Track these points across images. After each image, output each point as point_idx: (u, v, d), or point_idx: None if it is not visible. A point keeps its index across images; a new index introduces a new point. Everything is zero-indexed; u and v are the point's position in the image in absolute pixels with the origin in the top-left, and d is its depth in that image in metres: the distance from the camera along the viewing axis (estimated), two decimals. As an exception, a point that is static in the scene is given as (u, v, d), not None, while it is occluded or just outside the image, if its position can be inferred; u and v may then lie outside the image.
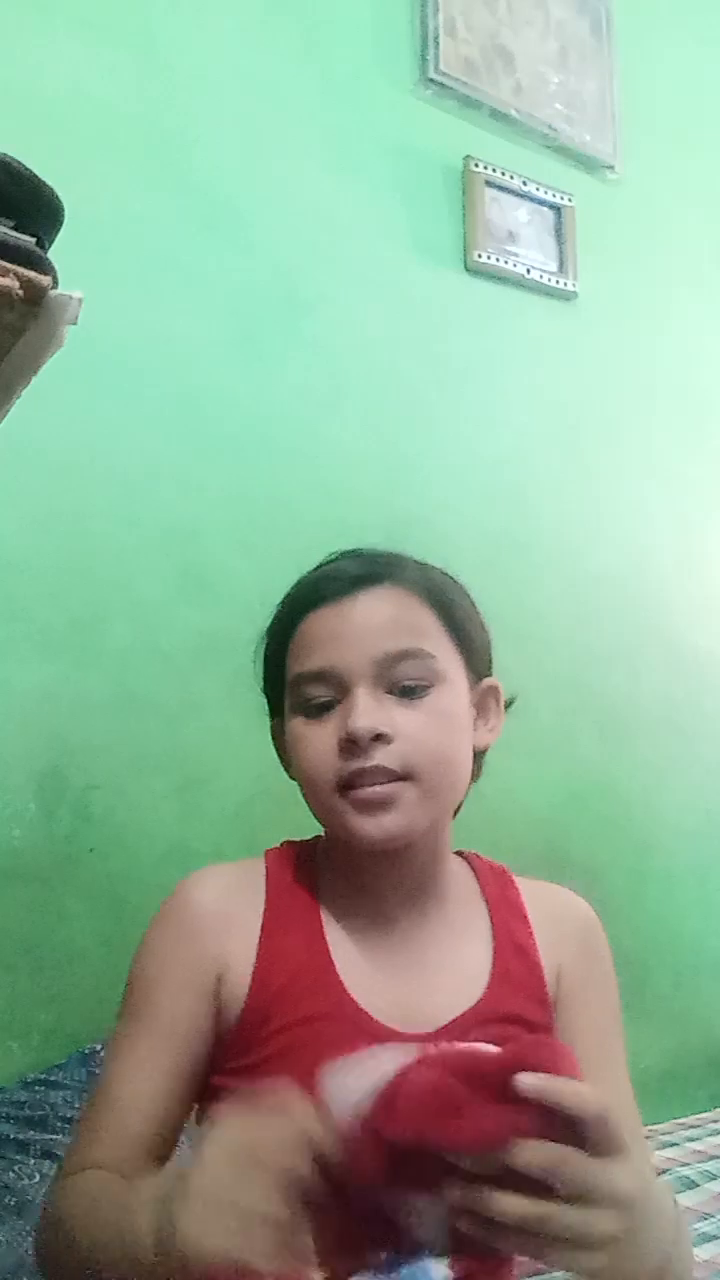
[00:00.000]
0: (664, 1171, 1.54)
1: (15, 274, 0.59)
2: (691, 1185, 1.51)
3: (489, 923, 0.83)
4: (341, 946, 0.79)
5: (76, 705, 1.37)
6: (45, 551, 1.38)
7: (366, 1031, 0.74)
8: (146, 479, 1.47)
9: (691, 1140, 1.69)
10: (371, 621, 0.78)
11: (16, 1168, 1.09)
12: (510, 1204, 0.55)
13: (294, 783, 0.83)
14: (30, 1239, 1.01)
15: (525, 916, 0.84)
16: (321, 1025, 0.74)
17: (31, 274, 0.59)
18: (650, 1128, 1.74)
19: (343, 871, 0.82)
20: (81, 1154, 0.73)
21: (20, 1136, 1.13)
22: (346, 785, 0.75)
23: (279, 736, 0.85)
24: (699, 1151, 1.64)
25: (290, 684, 0.79)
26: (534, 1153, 0.55)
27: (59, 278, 0.62)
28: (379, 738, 0.75)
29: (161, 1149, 0.75)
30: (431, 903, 0.82)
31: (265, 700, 0.86)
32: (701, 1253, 1.30)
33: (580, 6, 2.10)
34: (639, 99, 2.17)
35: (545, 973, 0.82)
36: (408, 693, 0.77)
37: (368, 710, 0.75)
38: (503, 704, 0.88)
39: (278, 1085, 0.61)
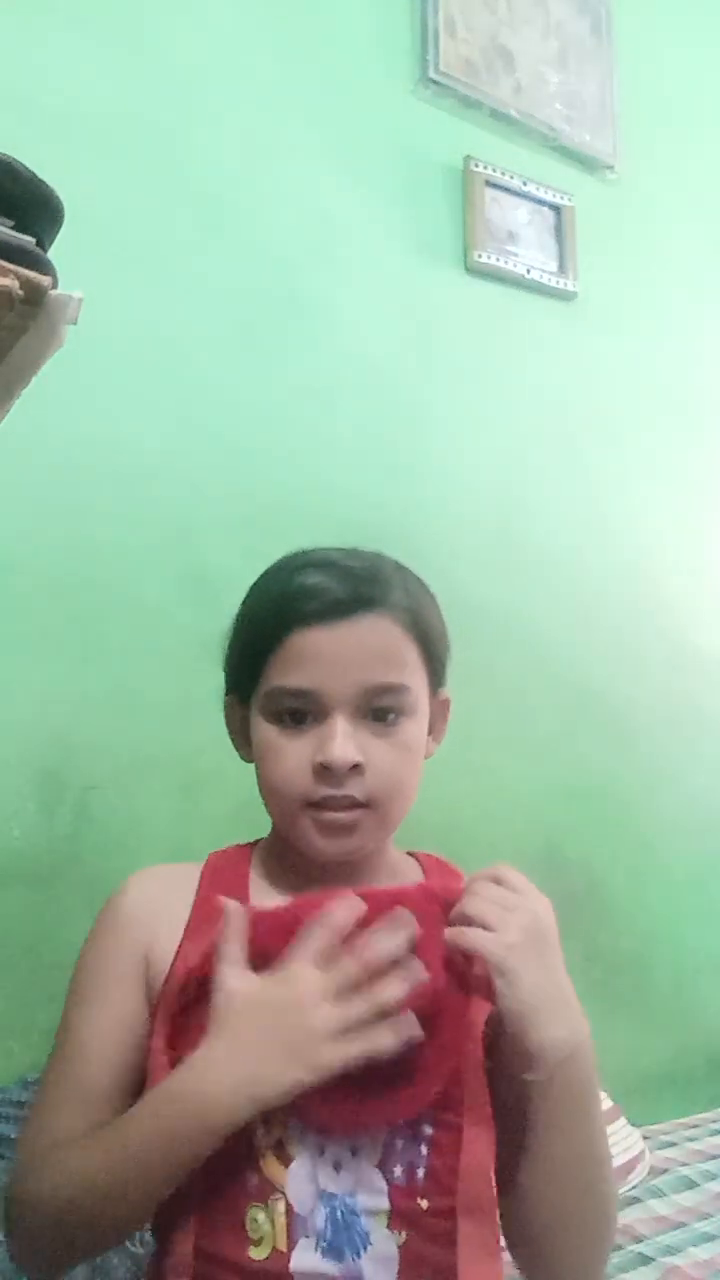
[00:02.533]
0: (664, 1171, 1.54)
1: (15, 274, 0.59)
2: (691, 1185, 1.51)
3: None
4: None
5: (76, 705, 1.37)
6: (45, 551, 1.38)
7: None
8: (146, 479, 1.47)
9: (691, 1140, 1.69)
10: (361, 651, 0.79)
11: (16, 1168, 1.09)
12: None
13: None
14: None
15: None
16: None
17: (31, 274, 0.60)
18: (650, 1128, 1.74)
19: (279, 867, 0.86)
20: (43, 1125, 0.76)
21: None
22: (311, 804, 0.79)
23: (234, 716, 0.87)
24: (699, 1151, 1.64)
25: (268, 691, 0.80)
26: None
27: (59, 278, 0.62)
28: (354, 767, 0.78)
29: (133, 1090, 0.77)
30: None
31: (223, 674, 0.87)
32: (701, 1253, 1.30)
33: (580, 6, 2.10)
34: (639, 99, 2.17)
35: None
36: (381, 718, 0.80)
37: (347, 741, 0.78)
38: (449, 715, 0.89)
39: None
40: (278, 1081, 0.68)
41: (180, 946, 0.80)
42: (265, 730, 0.81)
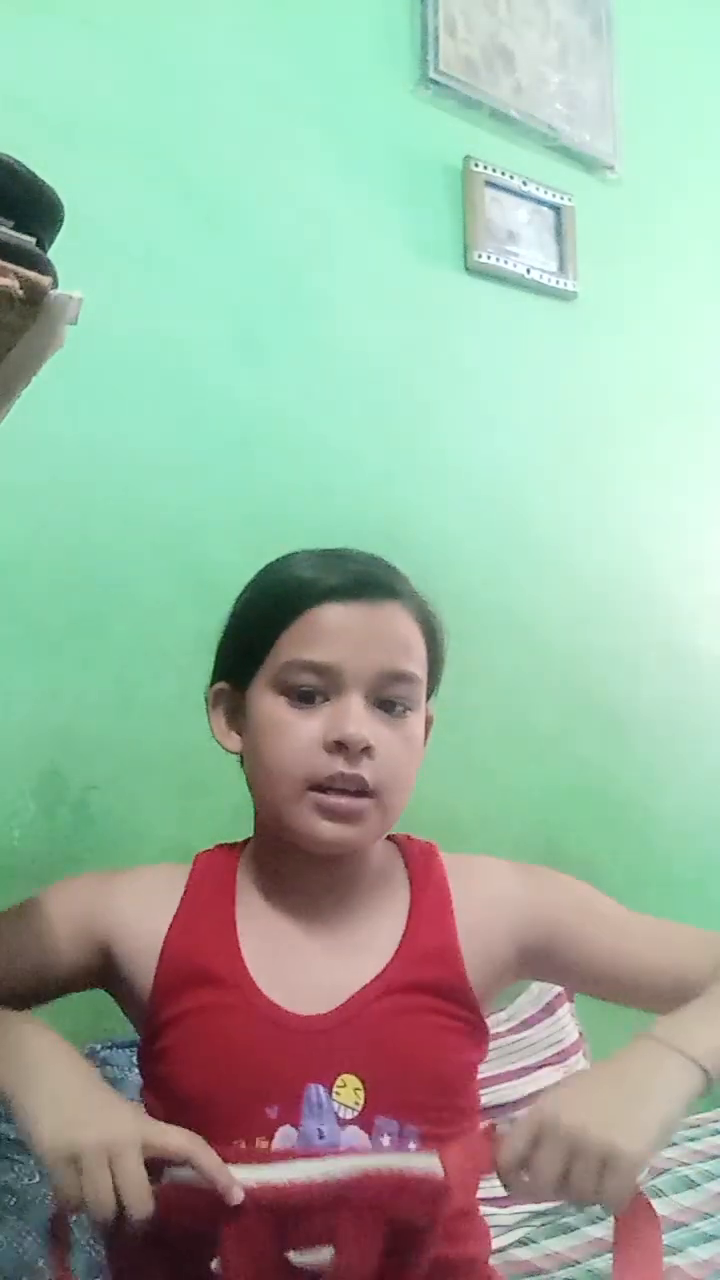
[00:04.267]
0: (664, 1171, 1.54)
1: (15, 274, 0.59)
2: (691, 1185, 1.51)
3: (409, 897, 0.85)
4: (252, 936, 0.81)
5: (76, 705, 1.37)
6: (45, 551, 1.38)
7: (266, 1018, 0.77)
8: (146, 479, 1.47)
9: (691, 1140, 1.69)
10: (384, 634, 0.79)
11: (17, 1168, 1.09)
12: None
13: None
14: (30, 1238, 1.01)
15: (445, 888, 0.85)
16: (224, 1012, 0.78)
17: (31, 274, 0.59)
18: (650, 1128, 1.74)
19: (267, 866, 0.85)
20: None
21: (20, 1136, 1.13)
22: (316, 785, 0.77)
23: (223, 704, 0.85)
24: (699, 1151, 1.64)
25: (282, 665, 0.78)
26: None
27: (59, 278, 0.62)
28: (365, 750, 0.76)
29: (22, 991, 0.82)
30: (351, 889, 0.84)
31: (215, 662, 0.87)
32: (701, 1253, 1.30)
33: (580, 6, 2.10)
34: (639, 99, 2.17)
35: (463, 942, 0.83)
36: (389, 709, 0.79)
37: (364, 720, 0.76)
38: (431, 732, 0.88)
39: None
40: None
41: (162, 955, 0.80)
42: (273, 705, 0.79)
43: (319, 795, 0.77)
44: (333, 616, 0.78)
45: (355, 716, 0.76)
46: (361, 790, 0.77)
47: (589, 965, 0.85)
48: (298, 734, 0.77)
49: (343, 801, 0.77)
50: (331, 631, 0.77)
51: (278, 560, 0.86)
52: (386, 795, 0.78)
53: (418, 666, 0.81)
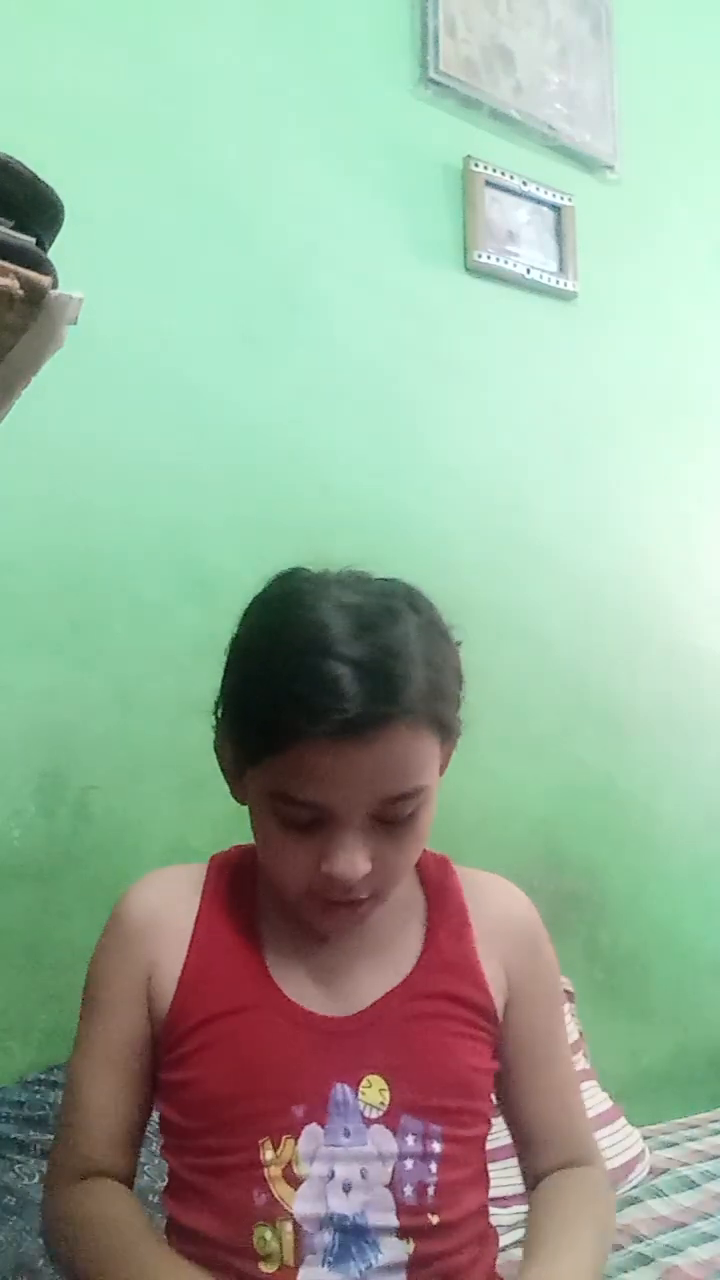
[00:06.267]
0: (664, 1171, 1.54)
1: (15, 274, 0.58)
2: (691, 1185, 1.51)
3: (425, 909, 0.85)
4: (274, 941, 0.81)
5: (76, 705, 1.37)
6: (45, 551, 1.38)
7: (291, 1019, 0.77)
8: (146, 479, 1.47)
9: (691, 1140, 1.69)
10: (376, 769, 0.71)
11: (16, 1168, 1.09)
12: None
13: None
14: (30, 1238, 1.01)
15: (462, 902, 0.85)
16: (249, 1014, 0.77)
17: (31, 274, 0.59)
18: (650, 1128, 1.74)
19: None
20: (67, 1155, 0.80)
21: (20, 1136, 1.13)
22: (315, 895, 0.75)
23: (227, 757, 0.80)
24: (699, 1151, 1.64)
25: (272, 792, 0.73)
26: None
27: (59, 278, 0.62)
28: (355, 882, 0.73)
29: (132, 1139, 0.81)
30: None
31: (219, 709, 0.79)
32: (701, 1253, 1.30)
33: (580, 6, 2.10)
34: (639, 99, 2.17)
35: (480, 957, 0.83)
36: (394, 820, 0.74)
37: (355, 856, 0.72)
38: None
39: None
40: None
41: (186, 962, 0.79)
42: (267, 821, 0.75)
43: (318, 901, 0.75)
44: (320, 759, 0.69)
45: (346, 856, 0.72)
46: (360, 898, 0.75)
47: (506, 1041, 0.84)
48: (293, 858, 0.74)
49: (343, 908, 0.75)
50: (318, 774, 0.70)
51: (278, 619, 0.75)
52: (386, 894, 0.77)
53: (422, 776, 0.74)
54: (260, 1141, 0.73)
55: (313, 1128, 0.74)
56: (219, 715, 0.79)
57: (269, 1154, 0.73)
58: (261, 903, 0.83)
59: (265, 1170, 0.73)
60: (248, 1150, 0.72)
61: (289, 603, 0.74)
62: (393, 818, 0.73)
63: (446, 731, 0.76)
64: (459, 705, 0.78)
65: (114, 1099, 0.79)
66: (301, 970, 0.80)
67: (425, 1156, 0.75)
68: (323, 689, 0.68)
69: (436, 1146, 0.75)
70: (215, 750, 0.81)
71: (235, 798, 0.81)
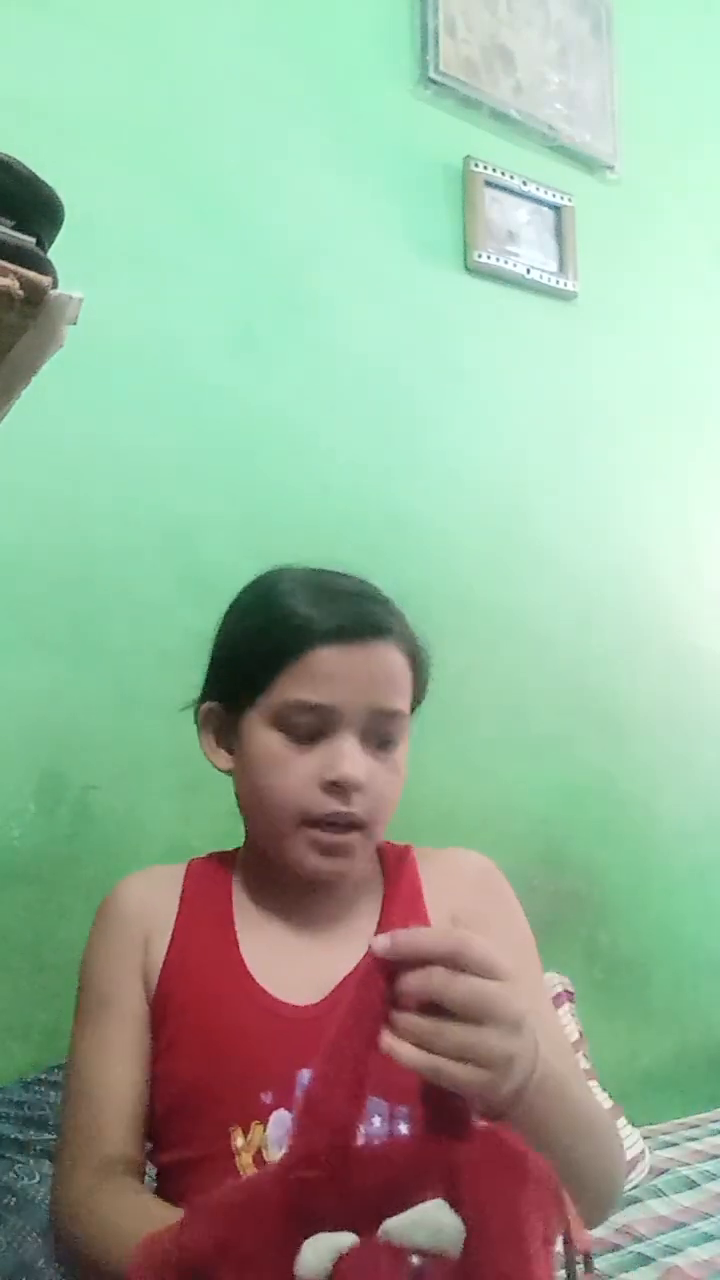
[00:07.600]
0: (664, 1171, 1.54)
1: (15, 274, 0.59)
2: (691, 1185, 1.51)
3: (383, 892, 0.88)
4: (249, 934, 0.85)
5: (76, 705, 1.37)
6: (45, 551, 1.38)
7: (261, 1007, 0.80)
8: (147, 479, 1.47)
9: (691, 1140, 1.69)
10: (378, 674, 0.81)
11: (16, 1168, 1.09)
12: (405, 1020, 0.56)
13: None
14: (30, 1238, 1.01)
15: (415, 875, 0.89)
16: (221, 1003, 0.81)
17: (31, 274, 0.59)
18: (650, 1128, 1.74)
19: (259, 875, 0.88)
20: (75, 1153, 0.79)
21: (20, 1136, 1.13)
22: (310, 821, 0.80)
23: (214, 724, 0.87)
24: (699, 1151, 1.64)
25: (280, 703, 0.80)
26: (419, 977, 0.57)
27: (59, 278, 0.62)
28: (358, 787, 0.79)
29: (141, 1127, 0.81)
30: (336, 892, 0.87)
31: (206, 681, 0.88)
32: (701, 1253, 1.30)
33: (580, 6, 2.10)
34: (639, 99, 2.17)
35: (430, 919, 0.85)
36: (380, 744, 0.82)
37: (358, 758, 0.79)
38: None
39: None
40: None
41: (169, 952, 0.83)
42: (270, 740, 0.81)
43: (313, 831, 0.80)
44: (331, 659, 0.79)
45: (351, 757, 0.79)
46: (352, 824, 0.80)
47: None
48: (295, 771, 0.80)
49: (335, 838, 0.80)
50: (330, 674, 0.79)
51: (268, 583, 0.86)
52: (374, 825, 0.82)
53: (406, 702, 0.84)
54: (231, 1129, 0.75)
55: (281, 1113, 0.75)
56: (205, 687, 0.88)
57: (239, 1140, 0.75)
58: (237, 897, 0.87)
59: (237, 1158, 0.74)
60: (220, 1139, 0.74)
61: (276, 573, 0.86)
62: (383, 737, 0.81)
63: (419, 685, 0.86)
64: (426, 677, 0.87)
65: (124, 1083, 0.80)
66: (274, 960, 0.83)
67: (391, 1137, 0.75)
68: (328, 602, 0.81)
69: (402, 1127, 0.75)
70: (197, 723, 0.88)
71: (217, 765, 0.86)
